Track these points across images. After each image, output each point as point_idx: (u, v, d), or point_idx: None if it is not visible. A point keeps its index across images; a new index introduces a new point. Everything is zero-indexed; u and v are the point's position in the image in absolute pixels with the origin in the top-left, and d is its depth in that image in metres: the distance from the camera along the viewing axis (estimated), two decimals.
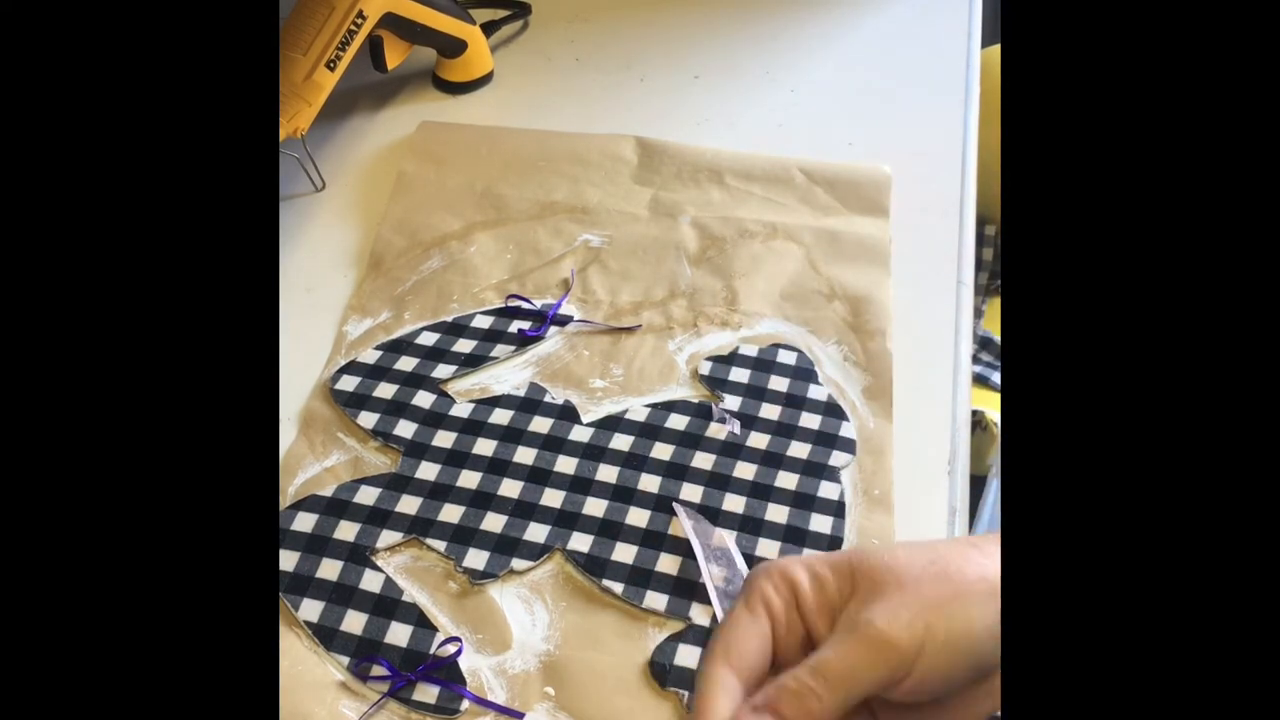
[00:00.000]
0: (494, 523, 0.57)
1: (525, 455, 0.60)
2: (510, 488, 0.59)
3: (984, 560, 0.37)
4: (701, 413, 0.62)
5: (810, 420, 0.62)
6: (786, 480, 0.59)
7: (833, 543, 0.56)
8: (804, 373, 0.64)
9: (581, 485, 0.59)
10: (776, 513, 0.57)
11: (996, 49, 1.15)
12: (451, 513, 0.58)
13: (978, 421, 1.18)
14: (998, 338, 1.25)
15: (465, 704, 0.51)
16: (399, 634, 0.53)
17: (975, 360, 1.24)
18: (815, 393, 0.63)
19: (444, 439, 0.61)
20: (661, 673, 0.51)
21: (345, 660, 0.52)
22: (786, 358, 0.65)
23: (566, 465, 0.60)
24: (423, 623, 0.53)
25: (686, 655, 0.52)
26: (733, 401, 0.63)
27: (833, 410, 0.63)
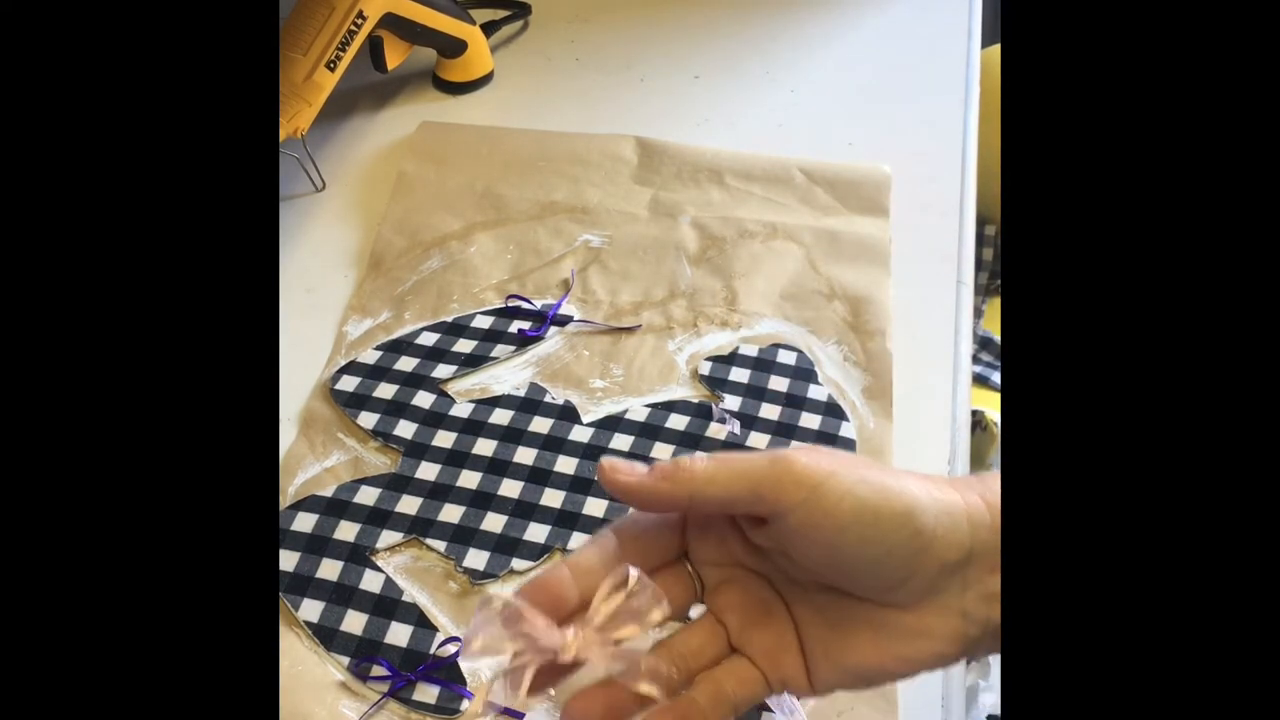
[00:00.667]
0: (494, 523, 0.57)
1: (525, 455, 0.60)
2: (510, 488, 0.58)
3: (908, 476, 0.37)
4: (701, 413, 0.62)
5: (810, 420, 0.62)
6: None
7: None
8: (804, 373, 0.64)
9: (581, 485, 0.59)
10: None
11: (996, 49, 1.15)
12: (452, 513, 0.58)
13: (978, 421, 1.17)
14: (998, 338, 1.25)
15: (465, 704, 0.51)
16: (399, 634, 0.53)
17: (975, 360, 1.24)
18: (815, 393, 0.63)
19: (444, 439, 0.61)
20: None
21: (345, 660, 0.52)
22: (786, 358, 0.65)
23: (566, 465, 0.60)
24: (423, 623, 0.53)
25: None
26: (733, 401, 0.63)
27: (833, 410, 0.62)
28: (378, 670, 0.52)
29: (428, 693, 0.51)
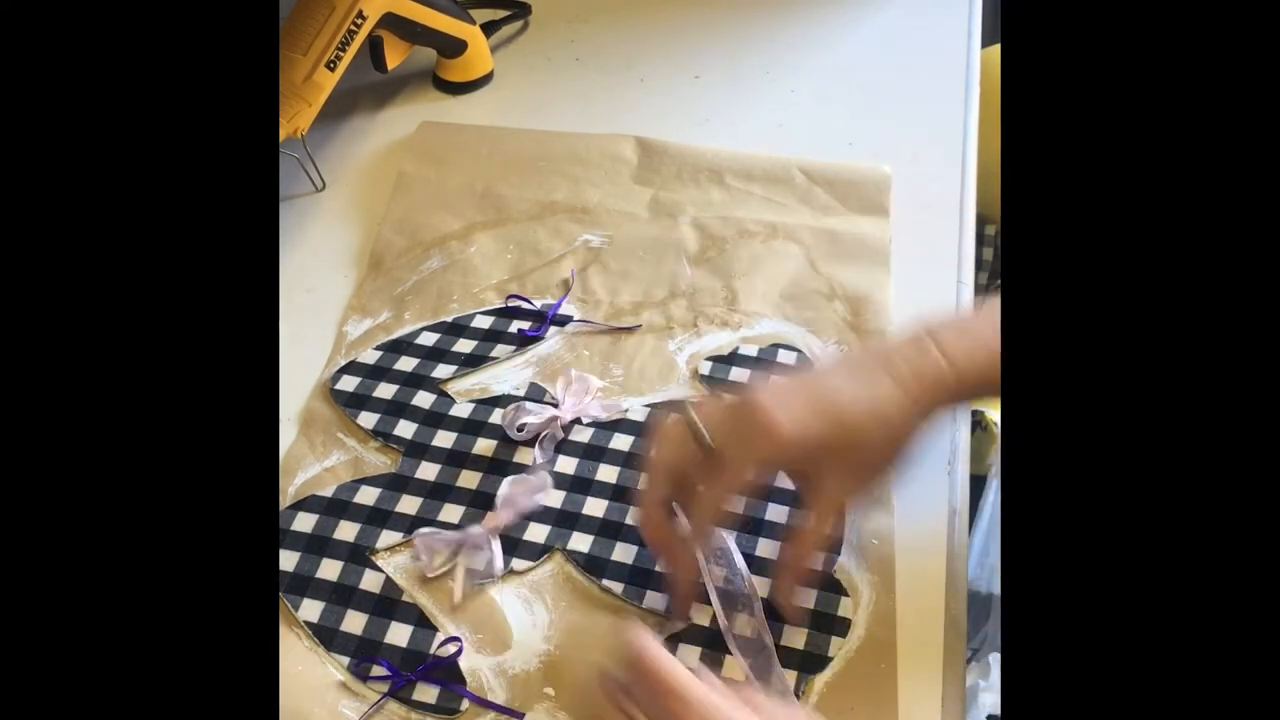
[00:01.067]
0: (494, 522, 0.57)
1: (525, 455, 0.60)
2: (504, 483, 0.58)
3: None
4: None
5: None
6: (786, 480, 0.59)
7: (833, 543, 0.56)
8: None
9: (581, 485, 0.59)
10: (776, 512, 0.57)
11: (996, 49, 1.15)
12: (452, 513, 0.58)
13: (978, 421, 1.17)
14: None
15: (465, 704, 0.51)
16: (399, 634, 0.53)
17: None
18: None
19: (444, 439, 0.61)
20: None
21: (345, 660, 0.52)
22: (786, 358, 0.65)
23: (567, 465, 0.60)
24: (423, 623, 0.53)
25: (686, 655, 0.52)
26: None
27: None
28: (378, 670, 0.52)
29: (428, 693, 0.51)
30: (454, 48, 0.85)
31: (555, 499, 0.58)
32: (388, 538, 0.57)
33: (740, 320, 0.68)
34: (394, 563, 0.56)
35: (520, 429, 0.60)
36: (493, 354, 0.66)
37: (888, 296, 0.69)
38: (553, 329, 0.67)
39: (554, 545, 0.56)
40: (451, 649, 0.52)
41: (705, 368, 0.65)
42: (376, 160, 0.81)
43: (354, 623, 0.53)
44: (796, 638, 0.52)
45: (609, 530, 0.57)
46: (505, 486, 0.58)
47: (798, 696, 0.51)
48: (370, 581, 0.55)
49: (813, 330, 0.67)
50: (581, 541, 0.56)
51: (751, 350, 0.65)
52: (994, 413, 1.18)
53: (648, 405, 0.63)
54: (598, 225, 0.74)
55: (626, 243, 0.73)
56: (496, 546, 0.55)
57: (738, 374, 0.64)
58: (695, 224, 0.74)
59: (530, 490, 0.57)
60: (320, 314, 0.69)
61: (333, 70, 0.75)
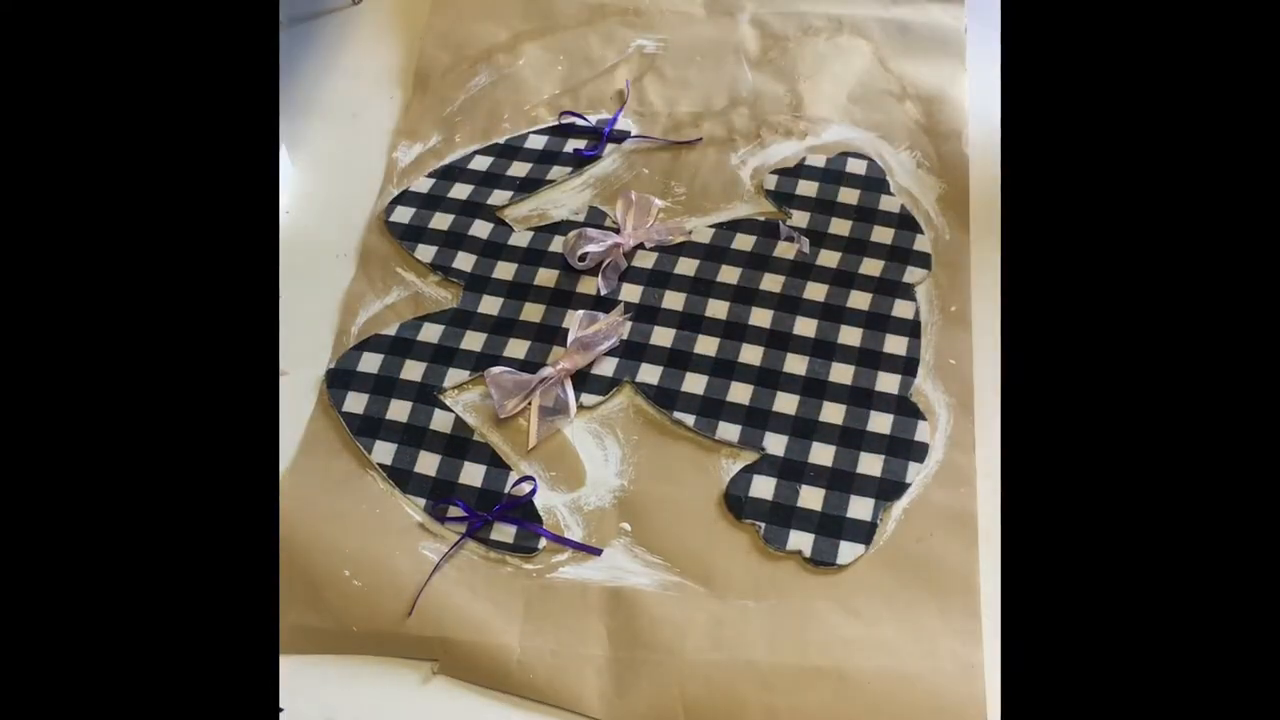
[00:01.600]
0: (559, 357, 0.56)
1: (588, 285, 0.58)
2: (574, 320, 0.57)
3: None
4: (768, 231, 0.60)
5: (883, 234, 0.59)
6: (859, 300, 0.57)
7: (908, 365, 0.54)
8: (875, 183, 0.61)
9: (648, 314, 0.57)
10: (850, 335, 0.56)
11: None
12: (517, 348, 0.57)
13: None
14: None
15: (543, 542, 0.51)
16: (473, 474, 0.53)
17: None
18: (887, 204, 0.60)
19: (504, 270, 0.59)
20: (737, 505, 0.51)
21: (421, 501, 0.52)
22: (856, 167, 0.62)
23: (631, 294, 0.58)
24: (496, 462, 0.53)
25: (762, 487, 0.51)
26: (801, 217, 0.60)
27: (906, 222, 0.60)
28: (454, 511, 0.52)
29: (505, 532, 0.51)
30: None
31: (622, 330, 0.57)
32: (454, 376, 0.56)
33: (806, 128, 0.64)
34: (463, 401, 0.55)
35: (582, 258, 0.58)
36: (549, 176, 0.63)
37: (963, 93, 0.65)
38: (610, 146, 0.64)
39: (623, 378, 0.55)
40: (526, 488, 0.52)
41: (771, 182, 0.62)
42: None
43: (427, 464, 0.53)
44: (873, 465, 0.52)
45: (678, 360, 0.55)
46: (577, 328, 0.56)
47: (875, 524, 0.50)
48: (440, 421, 0.54)
49: (883, 135, 0.64)
50: (650, 373, 0.55)
51: (819, 161, 0.62)
52: None
53: (712, 226, 0.60)
54: (651, 28, 0.70)
55: (682, 47, 0.69)
56: (568, 384, 0.54)
57: (805, 187, 0.61)
58: (755, 21, 0.69)
59: (606, 336, 0.55)
60: (368, 140, 0.67)
61: None
